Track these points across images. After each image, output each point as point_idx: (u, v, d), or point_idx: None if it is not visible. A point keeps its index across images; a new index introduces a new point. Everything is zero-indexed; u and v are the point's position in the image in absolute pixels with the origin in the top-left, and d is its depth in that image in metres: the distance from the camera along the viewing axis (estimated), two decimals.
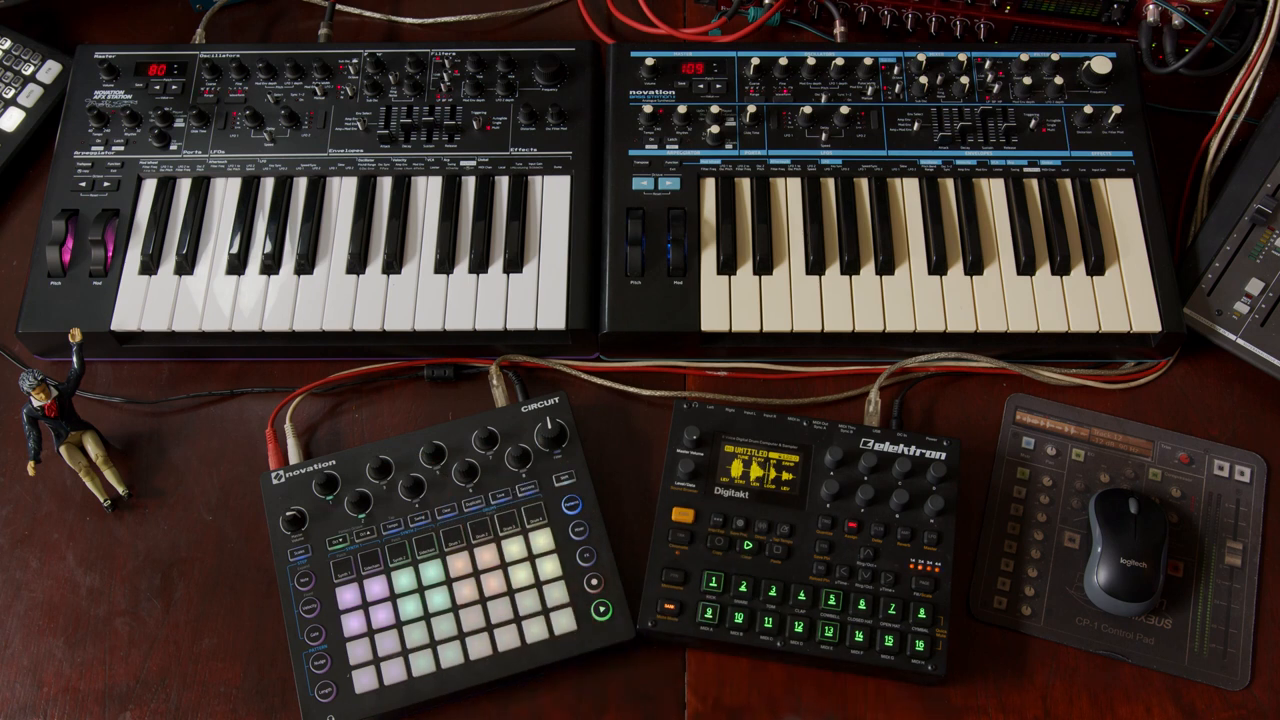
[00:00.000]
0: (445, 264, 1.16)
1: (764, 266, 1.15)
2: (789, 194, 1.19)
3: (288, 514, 1.05)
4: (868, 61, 1.24)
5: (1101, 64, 1.22)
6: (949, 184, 1.20)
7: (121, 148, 1.23)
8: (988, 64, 1.24)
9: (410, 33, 1.39)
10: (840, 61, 1.24)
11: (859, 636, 1.00)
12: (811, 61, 1.23)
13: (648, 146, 1.21)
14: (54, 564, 1.10)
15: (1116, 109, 1.21)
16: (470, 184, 1.21)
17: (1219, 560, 1.07)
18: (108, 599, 1.08)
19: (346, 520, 1.06)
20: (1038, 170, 1.20)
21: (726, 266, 1.15)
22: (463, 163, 1.21)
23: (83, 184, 1.20)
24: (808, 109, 1.21)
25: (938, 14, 1.31)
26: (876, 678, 1.03)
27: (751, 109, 1.21)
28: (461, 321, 1.14)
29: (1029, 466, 1.11)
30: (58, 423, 1.09)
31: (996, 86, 1.23)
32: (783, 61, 1.24)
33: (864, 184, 1.20)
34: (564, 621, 1.02)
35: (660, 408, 1.15)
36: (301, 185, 1.21)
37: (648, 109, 1.21)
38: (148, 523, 1.11)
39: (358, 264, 1.17)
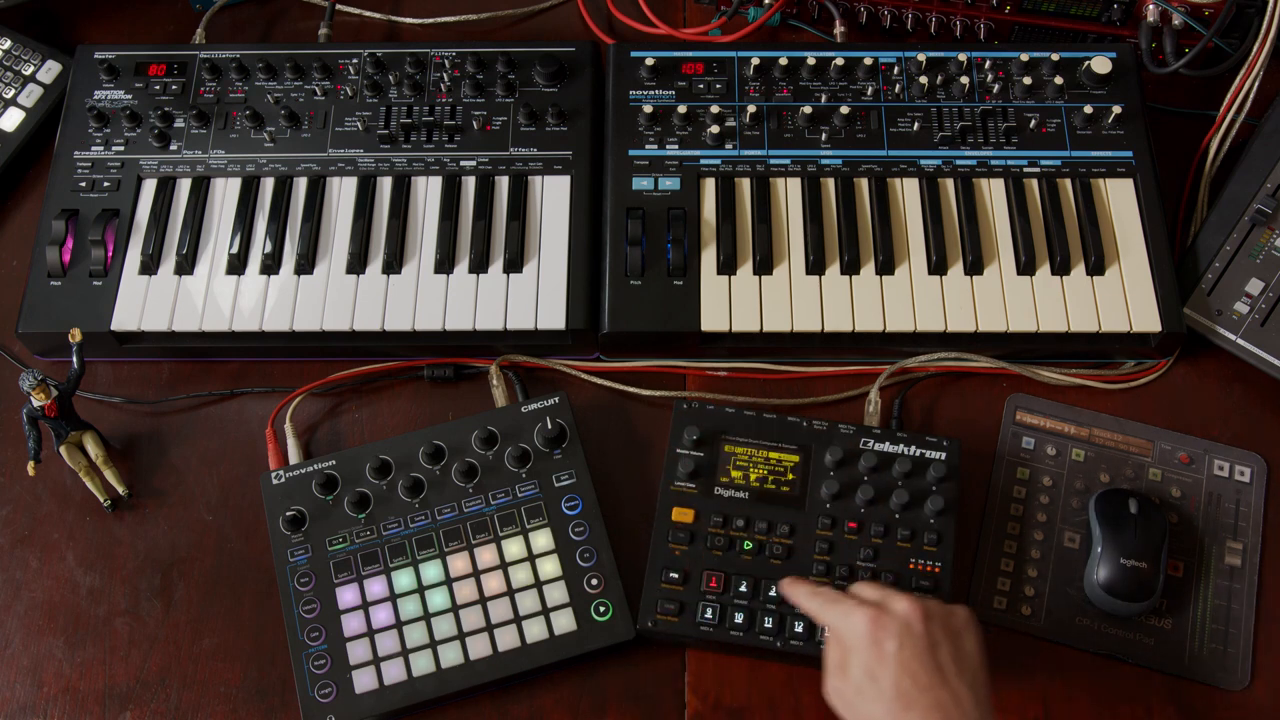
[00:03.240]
0: (445, 264, 1.16)
1: (764, 266, 1.15)
2: (789, 194, 1.19)
3: (288, 514, 1.05)
4: (868, 61, 1.24)
5: (1101, 64, 1.22)
6: (949, 184, 1.20)
7: (121, 148, 1.23)
8: (988, 64, 1.24)
9: (410, 33, 1.39)
10: (840, 61, 1.24)
11: None
12: (811, 61, 1.23)
13: (648, 146, 1.21)
14: (54, 564, 1.10)
15: (1116, 109, 1.21)
16: (470, 184, 1.21)
17: (1219, 560, 1.07)
18: (108, 599, 1.08)
19: (346, 520, 1.06)
20: (1038, 170, 1.20)
21: (726, 266, 1.15)
22: (463, 163, 1.21)
23: (83, 184, 1.20)
24: (808, 109, 1.21)
25: (938, 14, 1.31)
26: None
27: (751, 109, 1.21)
28: (461, 321, 1.14)
29: (1029, 466, 1.11)
30: (58, 423, 1.09)
31: (996, 86, 1.23)
32: (783, 61, 1.24)
33: (864, 184, 1.20)
34: (564, 621, 1.02)
35: (660, 408, 1.15)
36: (301, 185, 1.21)
37: (648, 109, 1.21)
38: (148, 523, 1.11)
39: (358, 264, 1.17)
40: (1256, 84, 1.22)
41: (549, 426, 1.08)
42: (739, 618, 1.01)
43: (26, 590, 1.09)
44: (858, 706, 0.86)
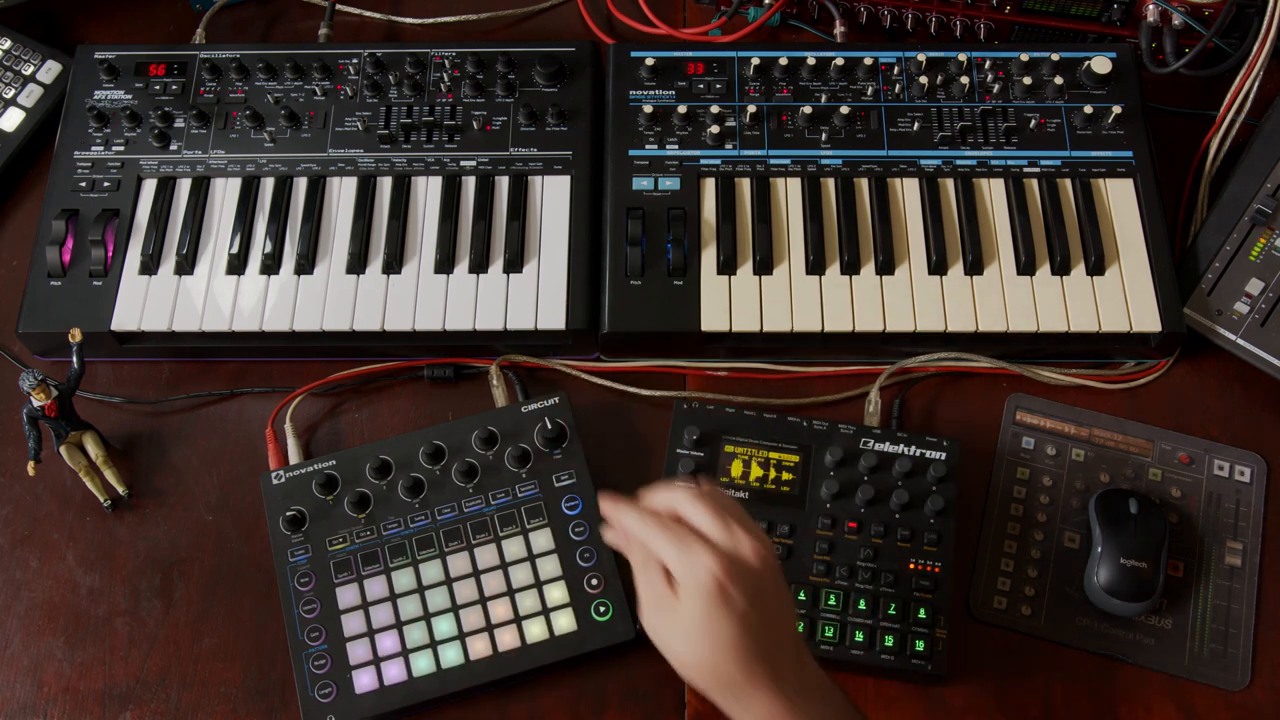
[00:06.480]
0: (445, 264, 1.16)
1: (764, 266, 1.15)
2: (789, 194, 1.19)
3: (288, 514, 1.05)
4: (868, 61, 1.24)
5: (1101, 64, 1.22)
6: (949, 184, 1.20)
7: (121, 148, 1.23)
8: (988, 64, 1.24)
9: (410, 33, 1.39)
10: (840, 61, 1.24)
11: (859, 636, 1.00)
12: (811, 61, 1.23)
13: (648, 146, 1.21)
14: (54, 564, 1.10)
15: (1116, 109, 1.21)
16: (470, 184, 1.21)
17: (1219, 560, 1.07)
18: (108, 599, 1.08)
19: (346, 520, 1.06)
20: (1038, 170, 1.20)
21: (726, 266, 1.15)
22: (463, 163, 1.21)
23: (83, 184, 1.20)
24: (808, 109, 1.21)
25: (938, 14, 1.31)
26: (876, 677, 1.03)
27: (751, 109, 1.21)
28: (461, 321, 1.14)
29: (1029, 466, 1.11)
30: (58, 423, 1.09)
31: (996, 86, 1.23)
32: (783, 61, 1.24)
33: (864, 184, 1.20)
34: (564, 621, 1.02)
35: (660, 408, 1.15)
36: (301, 185, 1.21)
37: (648, 109, 1.21)
38: (148, 523, 1.11)
39: (358, 264, 1.17)
40: (1256, 84, 1.22)
41: (549, 426, 1.08)
42: None
43: (26, 590, 1.09)
44: (688, 649, 0.81)
